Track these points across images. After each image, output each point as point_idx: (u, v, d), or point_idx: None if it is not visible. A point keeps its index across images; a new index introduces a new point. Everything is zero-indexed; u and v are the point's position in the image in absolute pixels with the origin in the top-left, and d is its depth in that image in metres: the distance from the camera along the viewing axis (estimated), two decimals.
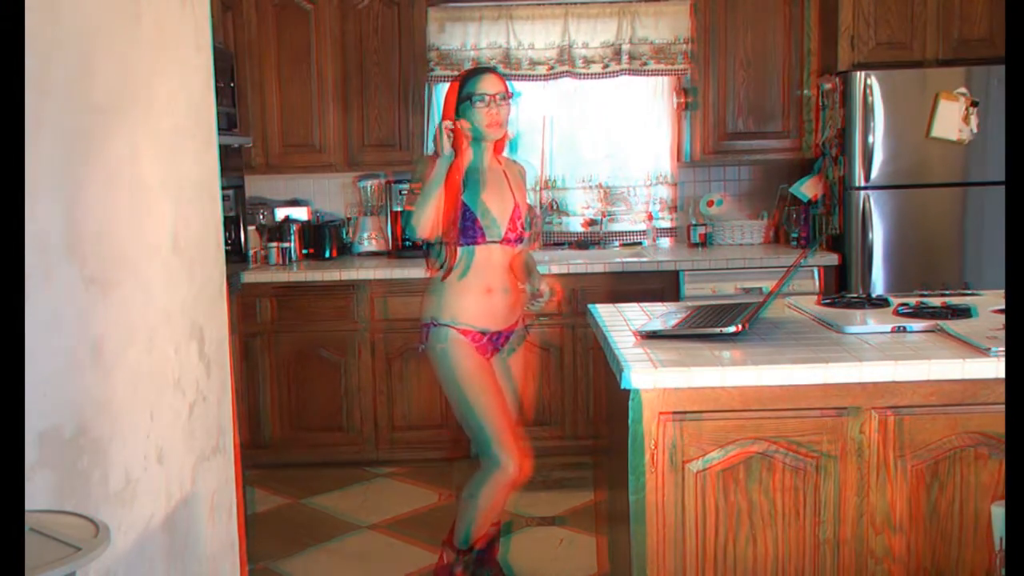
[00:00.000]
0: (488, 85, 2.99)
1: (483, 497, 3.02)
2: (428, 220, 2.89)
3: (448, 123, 2.91)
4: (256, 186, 5.03)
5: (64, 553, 1.47)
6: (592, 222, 5.13)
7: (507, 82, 3.06)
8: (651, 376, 2.21)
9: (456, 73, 4.76)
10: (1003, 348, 2.22)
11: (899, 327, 2.53)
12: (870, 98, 4.35)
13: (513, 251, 3.10)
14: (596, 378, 4.38)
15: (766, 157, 4.88)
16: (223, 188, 2.78)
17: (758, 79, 4.76)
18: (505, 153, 3.16)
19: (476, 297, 3.01)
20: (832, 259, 4.54)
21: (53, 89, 1.86)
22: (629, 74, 4.85)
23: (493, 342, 3.06)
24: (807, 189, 4.79)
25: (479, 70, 3.09)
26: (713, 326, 2.51)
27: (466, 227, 2.97)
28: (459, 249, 2.99)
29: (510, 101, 3.04)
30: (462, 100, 2.99)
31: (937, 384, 2.23)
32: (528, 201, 3.22)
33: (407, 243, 4.96)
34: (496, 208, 3.02)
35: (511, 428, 3.02)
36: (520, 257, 3.13)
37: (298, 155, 4.85)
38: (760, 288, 4.44)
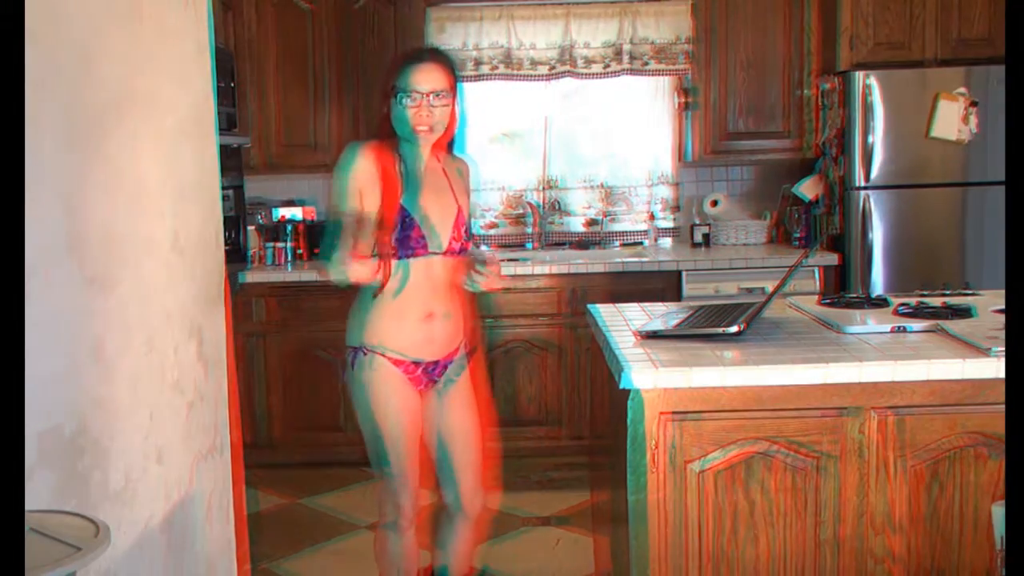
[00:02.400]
0: (421, 79, 2.54)
1: (393, 546, 2.78)
2: (342, 280, 2.56)
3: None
4: (256, 186, 5.02)
5: (64, 553, 1.47)
6: (593, 222, 5.13)
7: (453, 70, 2.62)
8: (651, 376, 2.21)
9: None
10: (1003, 348, 2.22)
11: (899, 327, 2.53)
12: (870, 98, 4.35)
13: (456, 264, 2.68)
14: (596, 378, 4.38)
15: (766, 157, 4.88)
16: (223, 188, 2.78)
17: (758, 79, 4.76)
18: (450, 151, 2.75)
19: (413, 322, 2.61)
20: (832, 259, 4.54)
21: (53, 89, 1.86)
22: (630, 74, 4.85)
23: (428, 373, 2.68)
24: (807, 189, 4.79)
25: (416, 56, 2.63)
26: (714, 326, 2.51)
27: (403, 236, 2.57)
28: (393, 262, 2.58)
29: (451, 97, 2.60)
30: (392, 91, 2.57)
31: (937, 384, 2.23)
32: (473, 202, 2.86)
33: None
34: (436, 214, 2.62)
35: (415, 478, 2.73)
36: (463, 265, 2.72)
37: (297, 155, 4.84)
38: (762, 288, 4.44)
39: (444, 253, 2.63)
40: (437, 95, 2.56)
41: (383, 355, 2.62)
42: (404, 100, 2.55)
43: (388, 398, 2.63)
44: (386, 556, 2.79)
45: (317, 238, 4.95)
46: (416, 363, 2.65)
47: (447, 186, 2.69)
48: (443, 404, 2.75)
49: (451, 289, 2.68)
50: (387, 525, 2.77)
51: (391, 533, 2.77)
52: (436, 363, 2.68)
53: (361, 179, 2.59)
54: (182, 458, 2.41)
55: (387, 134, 2.64)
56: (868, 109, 4.36)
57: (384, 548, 2.79)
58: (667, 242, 5.12)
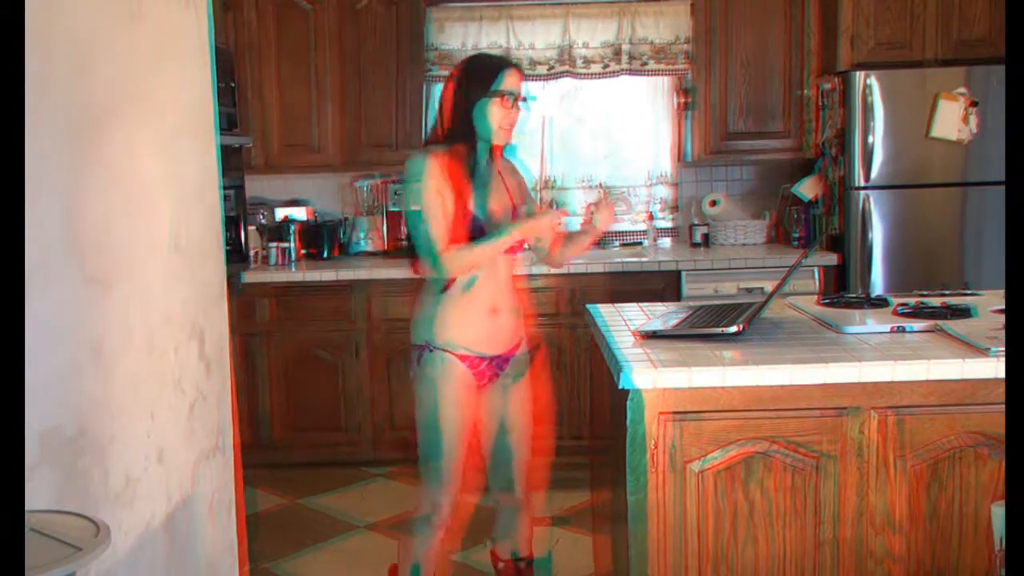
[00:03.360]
0: (516, 83, 2.72)
1: (421, 538, 2.80)
2: (467, 267, 2.67)
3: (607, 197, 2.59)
4: (256, 186, 5.02)
5: (64, 553, 1.47)
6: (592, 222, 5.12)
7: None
8: (651, 376, 2.21)
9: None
10: (1003, 348, 2.22)
11: (899, 327, 2.53)
12: (870, 98, 4.35)
13: (516, 262, 2.82)
14: (596, 378, 4.37)
15: (766, 157, 4.88)
16: (223, 188, 2.78)
17: (758, 79, 4.76)
18: (503, 154, 2.88)
19: (479, 318, 2.70)
20: (832, 259, 4.54)
21: (53, 89, 1.86)
22: (629, 74, 4.85)
23: (494, 367, 2.77)
24: (807, 189, 4.79)
25: (504, 61, 2.82)
26: (714, 326, 2.51)
27: (472, 238, 2.68)
28: None
29: (526, 105, 2.78)
30: (487, 94, 2.67)
31: (937, 384, 2.23)
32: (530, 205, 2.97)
33: (402, 242, 4.95)
34: (499, 214, 2.76)
35: (459, 480, 2.77)
36: (557, 245, 2.95)
37: (297, 155, 4.85)
38: (761, 288, 4.44)
39: (506, 250, 2.72)
40: (524, 99, 2.74)
41: (451, 352, 2.69)
42: (502, 102, 2.67)
43: (453, 395, 2.70)
44: (411, 543, 2.84)
45: (317, 238, 4.96)
46: (482, 357, 2.72)
47: (504, 189, 2.83)
48: (506, 400, 2.83)
49: (514, 285, 2.80)
50: (419, 518, 2.81)
51: (422, 526, 2.80)
52: (500, 357, 2.76)
53: (434, 188, 2.66)
54: (184, 458, 2.41)
55: (467, 138, 2.71)
56: (868, 109, 4.36)
57: (410, 537, 2.83)
58: (666, 242, 5.13)
